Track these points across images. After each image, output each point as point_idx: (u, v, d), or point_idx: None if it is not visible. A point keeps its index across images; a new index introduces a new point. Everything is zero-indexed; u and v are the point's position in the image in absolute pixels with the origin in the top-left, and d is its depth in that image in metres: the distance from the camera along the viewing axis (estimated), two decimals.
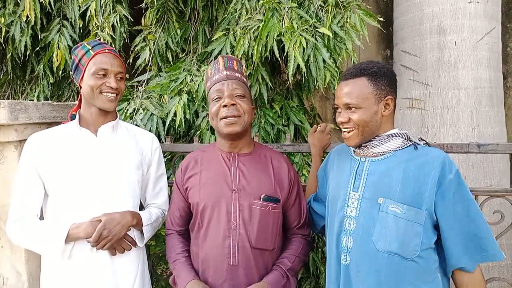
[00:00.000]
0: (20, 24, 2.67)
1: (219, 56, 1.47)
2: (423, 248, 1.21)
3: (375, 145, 1.30)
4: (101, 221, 1.36)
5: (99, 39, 2.55)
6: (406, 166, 1.24)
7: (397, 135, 1.29)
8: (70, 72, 1.51)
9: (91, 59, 1.42)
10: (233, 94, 1.37)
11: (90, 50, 1.44)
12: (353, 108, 1.26)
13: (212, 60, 2.55)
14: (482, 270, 1.26)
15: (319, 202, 1.56)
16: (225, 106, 1.35)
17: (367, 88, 1.26)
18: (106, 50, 1.45)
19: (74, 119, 1.50)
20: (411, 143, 1.29)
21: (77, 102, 1.57)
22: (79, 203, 1.40)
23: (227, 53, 2.43)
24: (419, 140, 1.32)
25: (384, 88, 1.28)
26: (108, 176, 1.44)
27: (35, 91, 2.94)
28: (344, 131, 1.31)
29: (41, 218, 1.48)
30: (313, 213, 1.57)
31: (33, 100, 2.73)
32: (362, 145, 1.32)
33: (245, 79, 1.47)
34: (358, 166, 1.33)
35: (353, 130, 1.28)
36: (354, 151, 1.39)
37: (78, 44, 1.50)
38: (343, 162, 1.41)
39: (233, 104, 1.35)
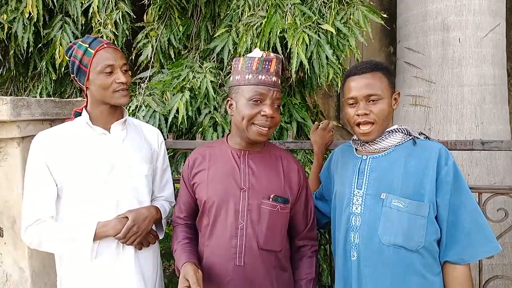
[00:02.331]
0: (23, 21, 2.67)
1: (271, 54, 1.38)
2: (428, 239, 1.22)
3: (377, 141, 1.32)
4: (127, 217, 1.37)
5: (101, 36, 2.55)
6: (407, 161, 1.27)
7: (397, 130, 1.32)
8: (72, 75, 1.46)
9: (93, 58, 1.38)
10: (274, 104, 1.34)
11: (89, 49, 1.39)
12: (375, 100, 1.28)
13: (214, 57, 2.54)
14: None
15: (323, 201, 1.58)
16: (264, 115, 1.31)
17: (385, 81, 1.30)
18: (105, 45, 1.40)
19: (78, 116, 1.47)
20: (410, 137, 1.32)
21: (79, 98, 1.55)
22: (99, 202, 1.38)
23: (229, 50, 2.43)
24: (419, 135, 1.35)
25: (393, 83, 1.34)
26: (126, 173, 1.43)
27: (37, 88, 2.95)
28: (363, 127, 1.30)
29: None
30: (316, 210, 1.57)
31: (35, 97, 2.73)
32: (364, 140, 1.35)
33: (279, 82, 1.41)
34: (360, 164, 1.35)
35: (373, 124, 1.29)
36: (356, 149, 1.41)
37: (72, 44, 1.45)
38: (346, 161, 1.43)
39: (272, 117, 1.32)
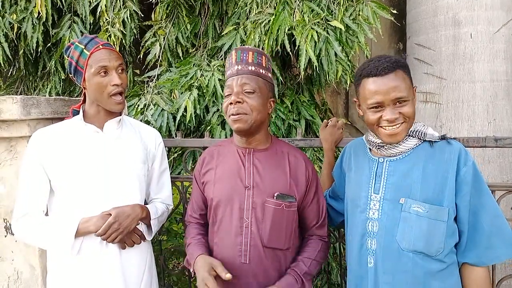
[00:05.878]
0: (32, 21, 2.69)
1: (233, 49, 1.41)
2: (448, 245, 1.20)
3: (393, 146, 1.27)
4: (111, 214, 1.37)
5: (109, 35, 2.56)
6: (425, 165, 1.22)
7: (413, 135, 1.26)
8: (70, 75, 1.48)
9: (88, 59, 1.40)
10: (241, 90, 1.32)
11: (85, 50, 1.41)
12: (402, 102, 1.20)
13: (222, 55, 2.54)
14: (492, 267, 1.25)
15: (337, 200, 1.54)
16: (231, 103, 1.33)
17: (407, 80, 1.22)
18: (100, 47, 1.41)
19: (76, 115, 1.49)
20: (424, 140, 1.26)
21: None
22: (88, 199, 1.40)
23: None
24: (432, 130, 1.28)
25: (412, 79, 1.27)
26: (116, 171, 1.45)
27: (47, 87, 2.97)
28: (392, 127, 1.22)
29: (46, 215, 1.46)
30: (330, 209, 1.55)
31: (45, 96, 2.75)
32: (379, 144, 1.29)
33: (262, 71, 1.38)
34: (377, 167, 1.30)
35: (403, 123, 1.21)
36: (370, 149, 1.36)
37: (69, 44, 1.46)
38: (361, 162, 1.37)
39: (238, 102, 1.31)
